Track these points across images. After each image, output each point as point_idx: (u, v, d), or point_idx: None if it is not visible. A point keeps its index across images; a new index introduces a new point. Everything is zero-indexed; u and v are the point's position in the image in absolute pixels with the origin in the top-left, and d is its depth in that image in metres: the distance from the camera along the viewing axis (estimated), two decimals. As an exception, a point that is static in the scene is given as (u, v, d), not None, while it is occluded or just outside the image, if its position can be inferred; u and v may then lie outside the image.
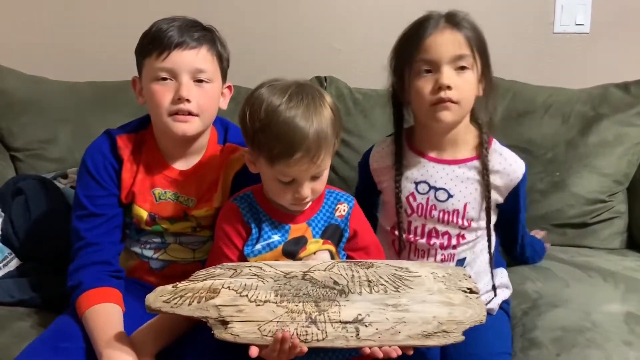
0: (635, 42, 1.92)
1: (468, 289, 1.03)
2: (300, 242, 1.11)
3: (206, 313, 0.96)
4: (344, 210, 1.15)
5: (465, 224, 1.21)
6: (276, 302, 0.96)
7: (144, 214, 1.23)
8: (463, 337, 0.98)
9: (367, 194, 1.32)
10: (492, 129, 1.23)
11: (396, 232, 1.24)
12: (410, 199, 1.22)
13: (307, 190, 1.06)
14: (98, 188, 1.21)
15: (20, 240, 1.48)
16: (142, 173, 1.23)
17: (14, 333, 1.24)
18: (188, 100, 1.15)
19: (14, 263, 1.44)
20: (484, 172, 1.19)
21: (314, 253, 1.11)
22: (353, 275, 1.01)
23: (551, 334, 1.21)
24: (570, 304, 1.32)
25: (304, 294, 0.97)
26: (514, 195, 1.24)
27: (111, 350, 1.05)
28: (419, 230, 1.22)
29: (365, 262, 1.05)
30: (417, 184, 1.22)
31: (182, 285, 0.99)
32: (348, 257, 1.15)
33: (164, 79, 1.15)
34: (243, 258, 1.10)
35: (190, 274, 1.03)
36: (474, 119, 1.23)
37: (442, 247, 1.22)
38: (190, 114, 1.16)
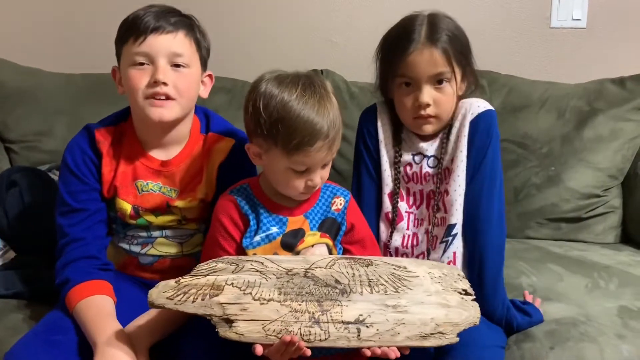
0: (631, 37, 1.93)
1: (463, 290, 1.04)
2: (299, 234, 1.11)
3: (210, 311, 0.95)
4: (340, 204, 1.16)
5: (456, 185, 1.22)
6: (280, 301, 0.96)
7: (128, 207, 1.22)
8: (457, 339, 1.00)
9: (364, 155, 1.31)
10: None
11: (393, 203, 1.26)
12: (408, 168, 1.27)
13: (319, 177, 1.08)
14: (79, 183, 1.20)
15: (15, 232, 1.47)
16: (123, 165, 1.22)
17: (7, 325, 1.24)
18: (165, 84, 1.13)
19: (8, 255, 1.44)
20: (442, 145, 1.23)
21: (312, 246, 1.11)
22: (354, 274, 1.01)
23: (545, 327, 1.22)
24: (564, 298, 1.34)
25: (306, 293, 0.97)
26: (477, 150, 1.21)
27: (107, 348, 1.04)
28: (417, 196, 1.27)
29: (365, 260, 1.05)
30: (414, 155, 1.27)
31: (184, 280, 0.98)
32: (344, 250, 1.16)
33: (141, 63, 1.14)
34: (240, 250, 1.10)
35: (180, 269, 1.02)
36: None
37: (433, 210, 1.24)
38: (167, 97, 1.14)
